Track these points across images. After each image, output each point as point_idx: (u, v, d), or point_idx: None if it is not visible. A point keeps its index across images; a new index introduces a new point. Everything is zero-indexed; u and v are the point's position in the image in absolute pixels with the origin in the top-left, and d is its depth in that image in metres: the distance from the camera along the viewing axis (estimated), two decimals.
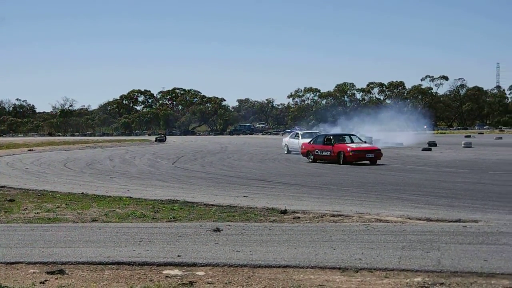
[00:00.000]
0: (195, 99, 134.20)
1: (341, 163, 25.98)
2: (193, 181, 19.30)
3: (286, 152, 35.88)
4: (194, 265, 7.11)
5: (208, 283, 6.40)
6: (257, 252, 7.67)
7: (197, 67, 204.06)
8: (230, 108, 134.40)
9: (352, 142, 27.54)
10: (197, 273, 6.81)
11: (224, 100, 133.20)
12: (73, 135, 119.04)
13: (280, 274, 6.66)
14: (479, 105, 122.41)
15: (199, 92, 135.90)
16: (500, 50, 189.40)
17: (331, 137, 28.03)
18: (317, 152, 27.71)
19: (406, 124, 56.83)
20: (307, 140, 30.68)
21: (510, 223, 9.62)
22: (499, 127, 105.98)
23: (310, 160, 27.92)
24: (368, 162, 26.09)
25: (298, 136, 35.62)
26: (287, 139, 37.53)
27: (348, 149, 26.24)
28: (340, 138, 28.29)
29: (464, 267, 6.61)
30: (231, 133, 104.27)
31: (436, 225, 9.67)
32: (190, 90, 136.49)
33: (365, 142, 28.24)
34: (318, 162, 27.36)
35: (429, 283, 6.14)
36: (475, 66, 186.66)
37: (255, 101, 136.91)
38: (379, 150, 26.82)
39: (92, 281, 6.55)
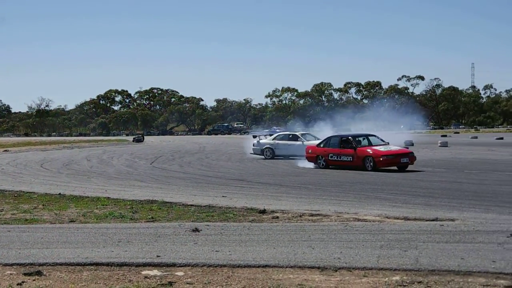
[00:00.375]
0: (173, 99, 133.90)
1: (369, 169, 22.03)
2: (172, 181, 19.24)
3: (268, 156, 30.46)
4: (173, 265, 7.08)
5: (187, 283, 6.38)
6: (236, 252, 7.67)
7: (175, 67, 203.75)
8: (208, 108, 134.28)
9: (371, 144, 23.31)
10: (176, 273, 6.78)
11: (202, 100, 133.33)
12: (49, 135, 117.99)
13: (260, 273, 6.67)
14: (455, 104, 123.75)
15: (177, 92, 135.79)
16: (475, 51, 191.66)
17: (351, 138, 23.69)
18: (331, 157, 23.58)
19: (384, 124, 56.98)
20: (313, 143, 26.59)
21: (486, 222, 9.73)
22: (475, 126, 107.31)
23: (321, 166, 23.81)
24: (396, 168, 22.26)
25: (297, 138, 30.13)
26: (269, 141, 31.28)
27: (379, 153, 22.16)
28: (358, 139, 23.85)
29: (441, 266, 6.67)
30: (209, 133, 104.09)
31: (414, 224, 9.75)
32: (168, 90, 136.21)
33: (388, 143, 23.71)
34: (331, 169, 23.49)
35: (407, 281, 6.18)
36: (451, 66, 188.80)
37: (233, 101, 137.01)
38: (412, 153, 22.79)
39: (70, 282, 6.49)
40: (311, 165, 24.55)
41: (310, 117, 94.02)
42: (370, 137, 24.14)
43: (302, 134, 31.30)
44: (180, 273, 6.77)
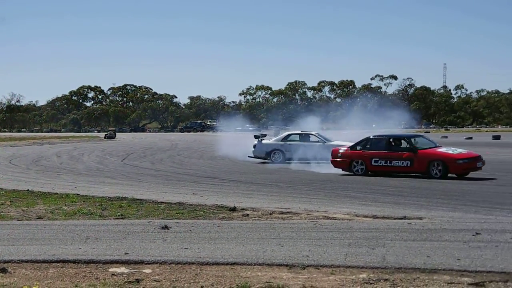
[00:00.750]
0: (146, 96, 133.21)
1: (435, 176, 18.20)
2: (142, 178, 19.14)
3: (276, 160, 25.72)
4: (141, 262, 7.05)
5: (155, 280, 6.36)
6: (205, 249, 7.67)
7: (148, 64, 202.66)
8: (182, 105, 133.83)
9: (414, 146, 19.11)
10: (144, 270, 6.75)
11: (176, 97, 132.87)
12: (19, 131, 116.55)
13: (228, 271, 6.67)
14: (426, 104, 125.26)
15: (150, 88, 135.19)
16: (448, 50, 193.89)
17: (407, 139, 19.77)
18: (376, 161, 19.49)
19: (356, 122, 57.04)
20: (337, 144, 23.44)
21: (453, 220, 9.87)
22: (445, 126, 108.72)
23: (357, 173, 19.72)
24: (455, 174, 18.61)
25: (315, 138, 25.78)
26: (277, 142, 26.53)
27: (452, 156, 18.53)
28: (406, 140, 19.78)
29: (407, 263, 6.75)
30: (182, 130, 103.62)
31: (382, 222, 9.84)
32: (141, 86, 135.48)
33: (441, 146, 20.49)
34: (370, 175, 19.55)
35: (374, 279, 6.25)
36: (424, 65, 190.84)
37: (207, 98, 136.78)
38: (481, 157, 19.22)
39: (36, 280, 6.42)
40: (337, 171, 20.65)
41: (283, 115, 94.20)
42: (416, 138, 20.55)
43: (317, 134, 26.52)
44: (147, 271, 6.74)
